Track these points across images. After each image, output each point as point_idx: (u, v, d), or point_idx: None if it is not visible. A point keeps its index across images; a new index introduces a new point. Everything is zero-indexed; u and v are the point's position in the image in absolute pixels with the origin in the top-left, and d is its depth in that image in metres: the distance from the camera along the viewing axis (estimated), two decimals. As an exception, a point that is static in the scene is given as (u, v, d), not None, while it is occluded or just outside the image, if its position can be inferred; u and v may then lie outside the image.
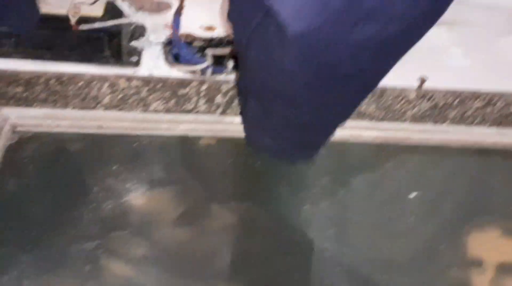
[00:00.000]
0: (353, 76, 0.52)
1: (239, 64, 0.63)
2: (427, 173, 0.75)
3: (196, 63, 0.81)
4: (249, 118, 0.65)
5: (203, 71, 0.81)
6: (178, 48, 0.81)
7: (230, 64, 0.82)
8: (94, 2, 0.77)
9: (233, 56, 0.86)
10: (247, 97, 0.62)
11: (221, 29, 0.85)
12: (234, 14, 0.56)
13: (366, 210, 0.72)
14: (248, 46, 0.54)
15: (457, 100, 0.76)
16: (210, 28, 0.85)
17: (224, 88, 0.75)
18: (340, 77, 0.52)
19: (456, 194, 0.73)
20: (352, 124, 0.76)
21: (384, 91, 0.74)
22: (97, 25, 0.74)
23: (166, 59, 0.81)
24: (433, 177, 0.75)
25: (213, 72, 0.82)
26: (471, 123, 0.79)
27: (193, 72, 0.80)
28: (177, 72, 0.78)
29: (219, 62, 0.87)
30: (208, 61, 0.82)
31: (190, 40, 0.84)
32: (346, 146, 0.77)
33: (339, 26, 0.46)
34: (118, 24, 0.76)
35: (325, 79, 0.52)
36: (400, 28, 0.47)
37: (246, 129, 0.70)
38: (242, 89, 0.66)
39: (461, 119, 0.79)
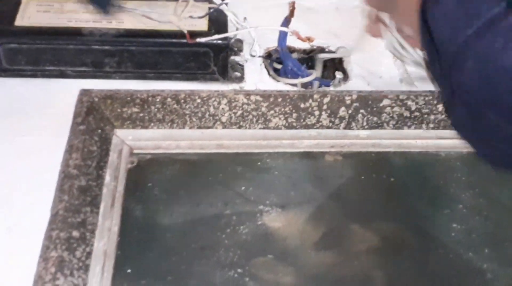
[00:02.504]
0: None
1: (440, 70, 0.56)
2: None
3: (303, 76, 0.77)
4: (459, 127, 0.58)
5: (307, 85, 0.77)
6: (284, 59, 0.77)
7: (339, 75, 0.78)
8: (204, 16, 0.73)
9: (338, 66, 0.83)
10: (455, 105, 0.55)
11: (320, 40, 0.81)
12: (443, 10, 0.50)
13: (518, 224, 0.66)
14: (467, 47, 0.47)
15: None
16: (308, 39, 0.82)
17: (348, 99, 0.70)
18: None
19: None
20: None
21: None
22: (215, 37, 0.69)
23: (269, 72, 0.77)
24: None
25: (320, 85, 0.78)
26: None
27: (298, 85, 0.75)
28: (283, 86, 0.74)
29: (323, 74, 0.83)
30: (318, 69, 0.78)
31: (290, 51, 0.80)
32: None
33: None
34: (223, 38, 0.71)
35: None
36: None
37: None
38: (447, 97, 0.59)
39: None
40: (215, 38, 0.69)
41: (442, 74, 0.54)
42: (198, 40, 0.69)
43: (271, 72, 0.77)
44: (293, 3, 0.75)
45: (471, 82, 0.49)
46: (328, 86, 0.76)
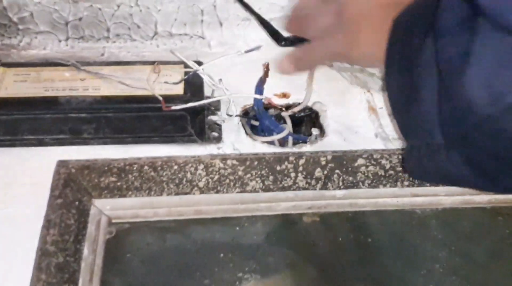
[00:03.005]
0: None
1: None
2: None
3: (279, 132, 0.77)
4: (443, 172, 0.57)
5: (283, 141, 0.77)
6: (261, 118, 0.78)
7: (315, 131, 0.79)
8: (180, 82, 0.74)
9: (315, 121, 0.84)
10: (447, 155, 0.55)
11: (296, 96, 0.82)
12: (478, 71, 0.48)
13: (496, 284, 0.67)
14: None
15: None
16: (284, 95, 0.83)
17: (323, 160, 0.71)
18: None
19: None
20: (463, 189, 0.72)
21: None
22: (190, 104, 0.70)
23: (246, 131, 0.77)
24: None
25: (297, 141, 0.78)
26: None
27: (276, 141, 0.76)
28: (260, 145, 0.75)
29: (298, 130, 0.84)
30: (288, 124, 0.79)
31: (267, 108, 0.81)
32: (457, 213, 0.72)
33: None
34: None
35: None
36: None
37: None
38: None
39: None
40: (190, 105, 0.70)
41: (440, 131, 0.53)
42: (173, 107, 0.70)
43: (248, 131, 0.77)
44: (267, 65, 0.76)
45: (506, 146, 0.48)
46: (306, 142, 0.77)
